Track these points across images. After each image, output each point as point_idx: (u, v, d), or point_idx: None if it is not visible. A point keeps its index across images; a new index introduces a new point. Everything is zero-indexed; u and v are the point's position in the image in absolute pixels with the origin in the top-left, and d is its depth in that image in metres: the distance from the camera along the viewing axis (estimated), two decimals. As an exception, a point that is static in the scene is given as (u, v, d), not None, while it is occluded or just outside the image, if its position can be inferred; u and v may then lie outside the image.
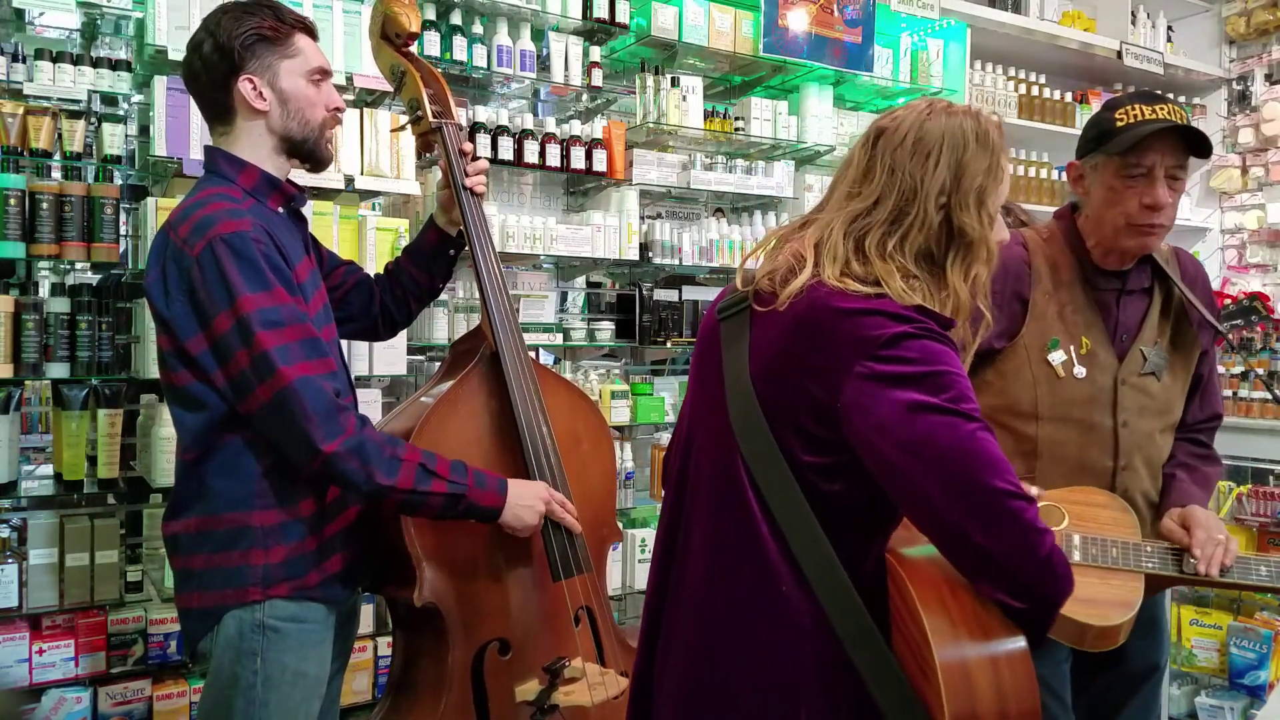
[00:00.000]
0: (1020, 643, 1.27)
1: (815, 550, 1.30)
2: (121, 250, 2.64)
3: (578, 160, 3.32)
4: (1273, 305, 4.57)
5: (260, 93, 1.73)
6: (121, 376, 2.64)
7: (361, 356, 2.79)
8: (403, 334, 2.70)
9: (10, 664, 2.50)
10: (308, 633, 1.72)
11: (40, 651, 2.53)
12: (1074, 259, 2.03)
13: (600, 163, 3.35)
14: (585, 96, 3.54)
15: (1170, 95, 1.97)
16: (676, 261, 3.58)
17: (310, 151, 1.81)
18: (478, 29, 3.20)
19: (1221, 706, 3.45)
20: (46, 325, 2.49)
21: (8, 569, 2.51)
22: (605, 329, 3.51)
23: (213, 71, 1.72)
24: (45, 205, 2.46)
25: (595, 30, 3.37)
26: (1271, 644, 3.37)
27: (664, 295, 3.55)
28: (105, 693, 2.60)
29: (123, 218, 2.69)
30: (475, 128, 3.11)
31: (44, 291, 2.82)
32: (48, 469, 2.80)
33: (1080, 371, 1.98)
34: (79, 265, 2.78)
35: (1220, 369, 4.01)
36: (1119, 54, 4.74)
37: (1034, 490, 1.35)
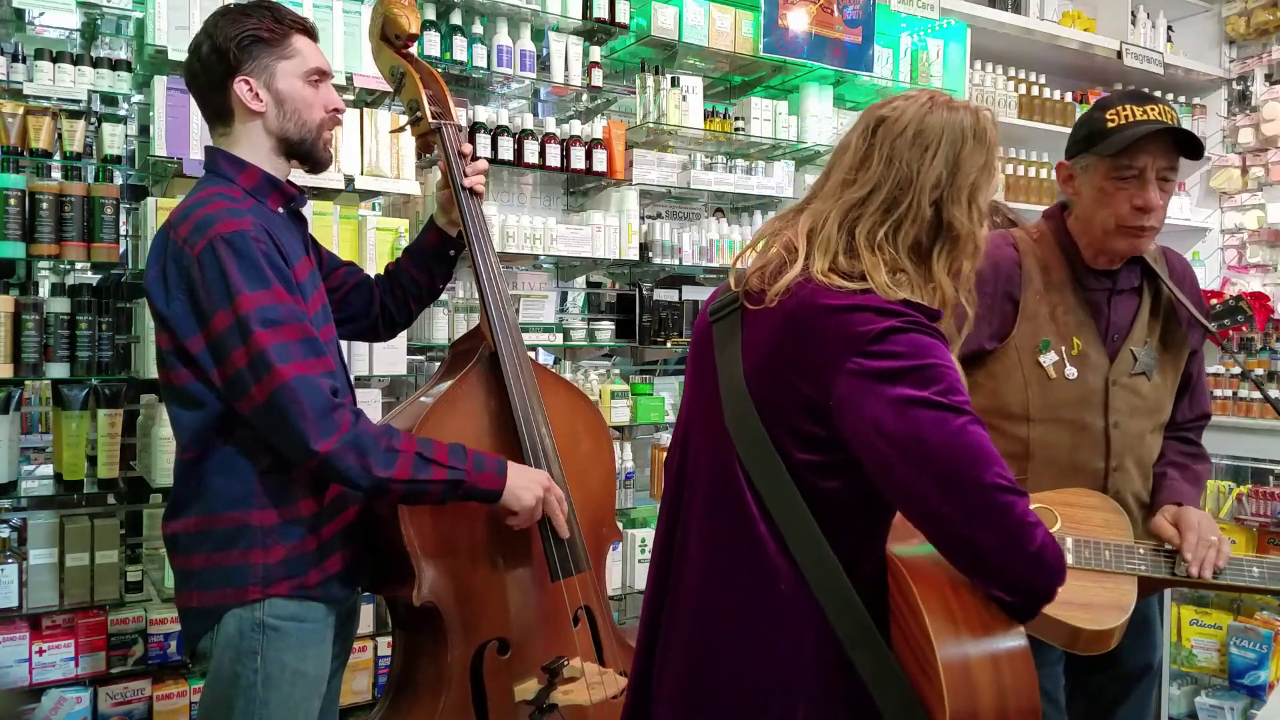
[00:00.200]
0: (1021, 640, 1.27)
1: (813, 549, 1.30)
2: (121, 250, 2.65)
3: (578, 160, 3.32)
4: (1272, 305, 4.57)
5: (256, 94, 1.74)
6: (121, 376, 2.64)
7: (361, 356, 2.80)
8: (403, 334, 2.70)
9: (10, 664, 2.50)
10: (307, 632, 1.72)
11: (40, 651, 2.53)
12: (1064, 259, 2.03)
13: (600, 163, 3.35)
14: (585, 96, 3.54)
15: (1160, 94, 1.97)
16: (676, 261, 3.58)
17: (308, 153, 1.81)
18: (478, 29, 3.20)
19: (1221, 706, 3.44)
20: (46, 325, 2.49)
21: (8, 569, 2.51)
22: (605, 329, 3.51)
23: (210, 73, 1.73)
24: (45, 205, 2.46)
25: (595, 30, 3.37)
26: (1271, 644, 3.37)
27: (664, 295, 3.55)
28: (105, 693, 2.60)
29: (123, 218, 2.69)
30: (475, 128, 3.11)
31: (44, 291, 2.82)
32: (48, 469, 2.80)
33: (1071, 372, 1.98)
34: (79, 265, 2.78)
35: (1220, 369, 4.02)
36: (1119, 54, 4.74)
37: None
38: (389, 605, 2.04)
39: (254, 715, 1.67)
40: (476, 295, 2.03)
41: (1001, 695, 1.24)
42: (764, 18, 3.62)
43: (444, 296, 3.07)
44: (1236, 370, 3.96)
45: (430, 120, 2.03)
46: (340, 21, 2.80)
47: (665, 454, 1.65)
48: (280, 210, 1.82)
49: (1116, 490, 1.99)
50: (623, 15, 3.37)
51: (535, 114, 3.49)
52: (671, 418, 3.48)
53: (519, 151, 3.20)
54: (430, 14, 3.08)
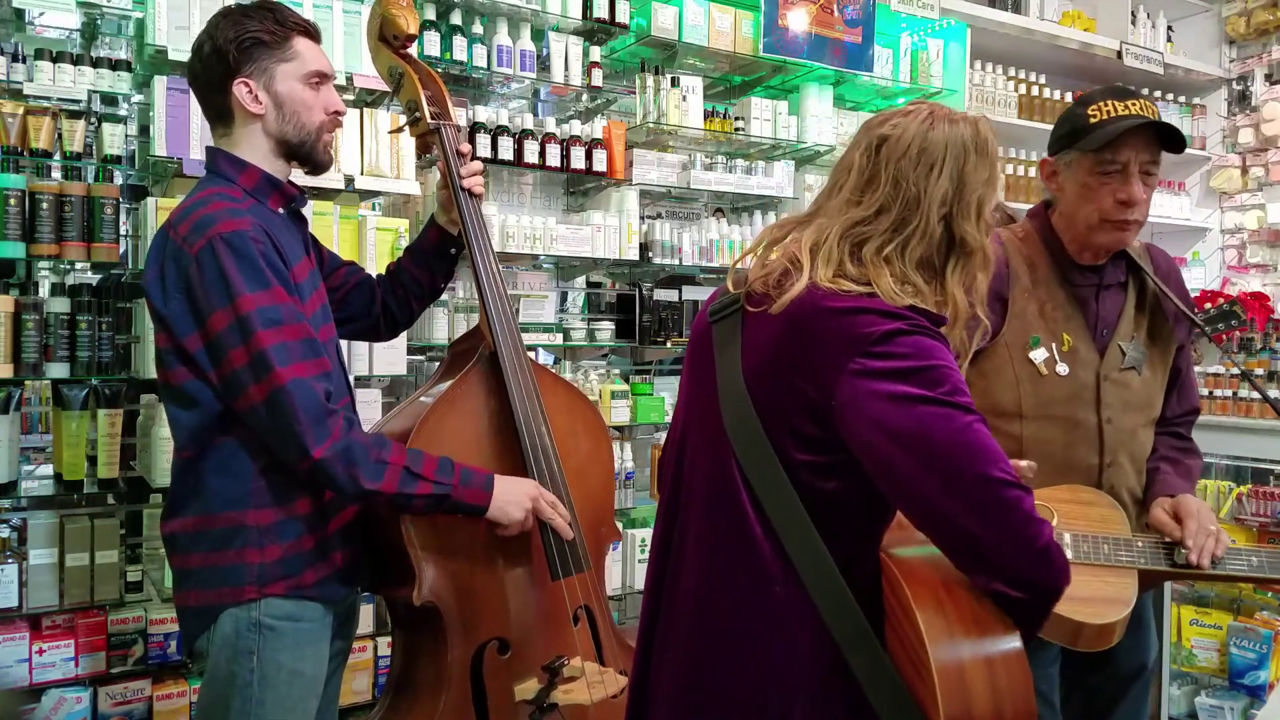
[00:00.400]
0: (1016, 643, 1.27)
1: (810, 551, 1.31)
2: (121, 250, 2.65)
3: (578, 160, 3.32)
4: (1272, 305, 4.58)
5: (256, 96, 1.74)
6: (121, 376, 2.64)
7: (362, 356, 2.80)
8: (403, 334, 2.70)
9: (10, 664, 2.50)
10: (304, 631, 1.72)
11: (40, 651, 2.53)
12: (1050, 256, 2.04)
13: (600, 163, 3.35)
14: (585, 96, 3.54)
15: (1159, 94, 1.98)
16: (676, 261, 3.58)
17: (307, 155, 1.81)
18: (478, 29, 3.20)
19: (1221, 706, 3.44)
20: (46, 325, 2.49)
21: (8, 569, 2.52)
22: (605, 329, 3.51)
23: (210, 74, 1.74)
24: (45, 205, 2.46)
25: (595, 30, 3.37)
26: (1271, 644, 3.37)
27: (664, 295, 3.55)
28: (105, 693, 2.60)
29: (123, 218, 2.69)
30: (475, 128, 3.11)
31: (44, 291, 2.82)
32: (48, 469, 2.80)
33: (1063, 369, 1.98)
34: (79, 265, 2.78)
35: (1220, 369, 4.02)
36: (1119, 54, 4.74)
37: None
38: (389, 605, 2.04)
39: (251, 715, 1.67)
40: (476, 295, 2.04)
41: (997, 698, 1.24)
42: (764, 18, 3.62)
43: (444, 296, 3.07)
44: (1236, 370, 3.96)
45: (429, 121, 2.03)
46: (340, 21, 2.80)
47: (660, 454, 1.65)
48: (280, 211, 1.82)
49: (1111, 486, 1.99)
50: (623, 15, 3.37)
51: (535, 114, 3.49)
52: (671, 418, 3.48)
53: (519, 151, 3.20)
54: (430, 14, 3.08)
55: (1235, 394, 3.90)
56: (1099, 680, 2.19)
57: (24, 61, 2.68)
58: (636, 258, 3.49)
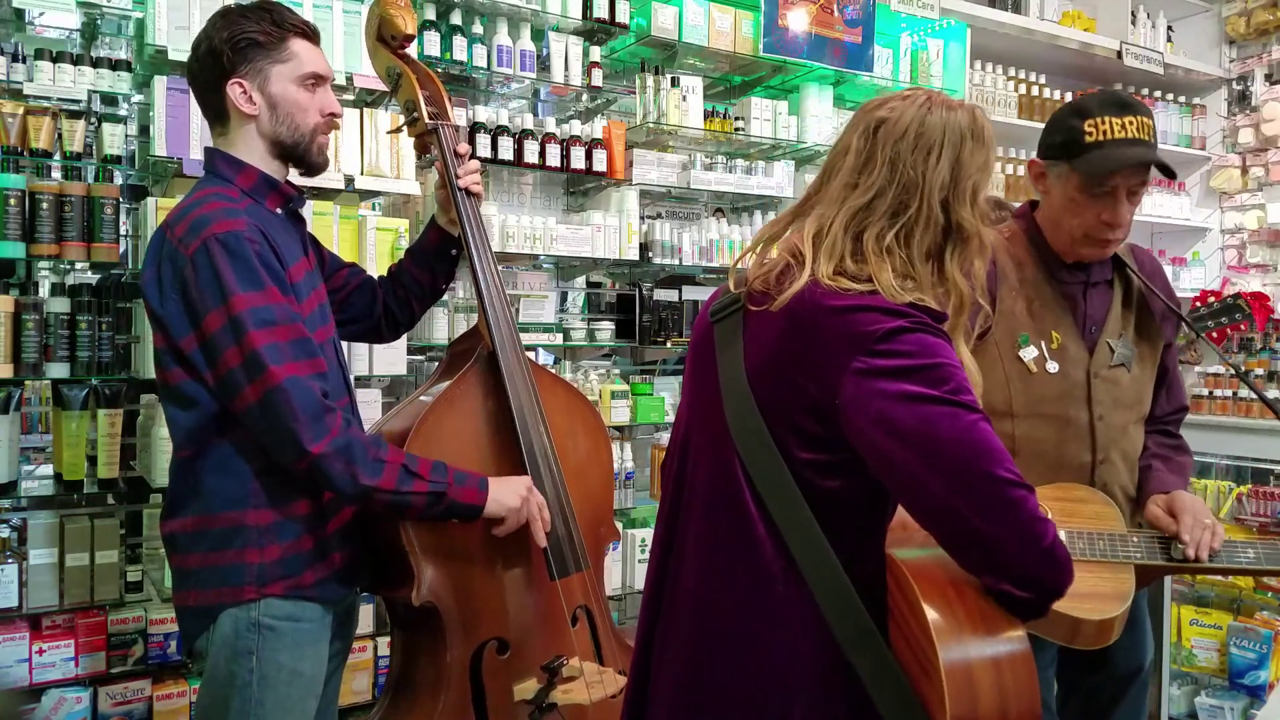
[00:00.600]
0: (1023, 644, 1.27)
1: (813, 550, 1.31)
2: (121, 250, 2.65)
3: (578, 160, 3.32)
4: (1272, 305, 4.58)
5: (250, 96, 1.74)
6: (121, 376, 2.64)
7: (361, 356, 2.80)
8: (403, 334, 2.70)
9: (10, 664, 2.50)
10: (304, 632, 1.72)
11: (40, 651, 2.53)
12: (1037, 255, 2.05)
13: (600, 163, 3.35)
14: (585, 96, 3.54)
15: (1137, 101, 1.95)
16: (676, 261, 3.59)
17: (301, 157, 1.81)
18: (478, 29, 3.20)
19: (1221, 706, 3.44)
20: (46, 325, 2.50)
21: (8, 569, 2.52)
22: (605, 329, 3.51)
23: (207, 74, 1.75)
24: (45, 205, 2.46)
25: (595, 30, 3.37)
26: (1271, 644, 3.36)
27: (664, 295, 3.55)
28: (105, 693, 2.60)
29: (123, 218, 2.70)
30: (475, 128, 3.11)
31: (44, 291, 2.82)
32: (48, 469, 2.81)
33: (1053, 367, 1.99)
34: (79, 265, 2.79)
35: (1220, 369, 4.02)
36: (1119, 54, 4.74)
37: None
38: (388, 605, 2.04)
39: (250, 715, 1.67)
40: (474, 296, 2.04)
41: (1003, 698, 1.24)
42: (764, 18, 3.62)
43: (444, 296, 3.07)
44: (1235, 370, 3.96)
45: (427, 121, 2.03)
46: (340, 22, 2.80)
47: (663, 454, 1.65)
48: (278, 211, 1.82)
49: (1104, 483, 2.00)
50: (623, 15, 3.37)
51: (535, 114, 3.49)
52: (671, 418, 3.48)
53: (519, 151, 3.20)
54: (430, 14, 3.08)
55: (1235, 394, 3.90)
56: (1097, 681, 2.19)
57: (24, 61, 2.68)
58: (636, 258, 3.49)
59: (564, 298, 3.67)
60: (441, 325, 3.13)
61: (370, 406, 2.81)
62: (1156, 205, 4.97)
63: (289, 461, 1.64)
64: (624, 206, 3.47)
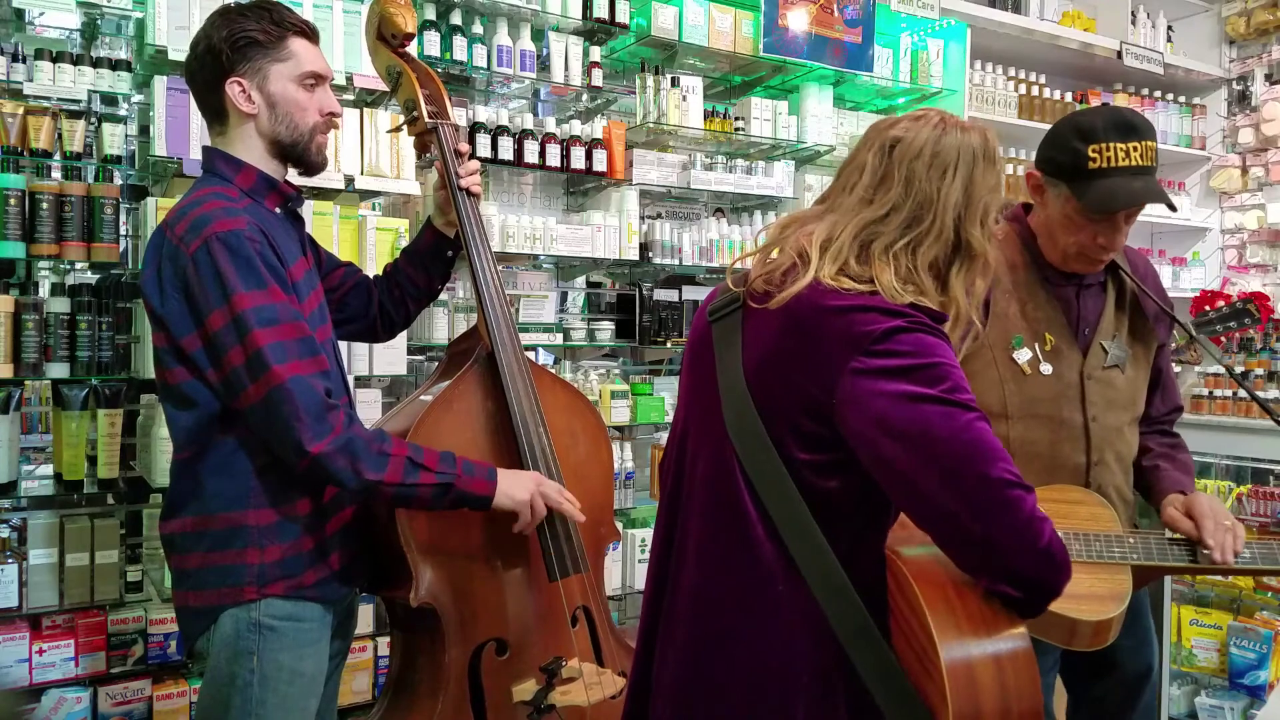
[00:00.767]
0: (1025, 641, 1.27)
1: (812, 549, 1.31)
2: (121, 250, 2.65)
3: (578, 160, 3.32)
4: (1272, 305, 4.57)
5: (249, 95, 1.74)
6: (121, 376, 2.65)
7: (361, 356, 2.80)
8: (402, 334, 2.70)
9: (10, 664, 2.50)
10: (304, 632, 1.72)
11: (40, 651, 2.53)
12: (1030, 258, 2.05)
13: (600, 163, 3.36)
14: (585, 96, 3.54)
15: (1141, 122, 1.93)
16: (676, 261, 3.59)
17: (299, 156, 1.81)
18: (478, 29, 3.20)
19: (1221, 706, 3.44)
20: (46, 325, 2.50)
21: (8, 569, 2.52)
22: (605, 329, 3.51)
23: (206, 73, 1.74)
24: (45, 205, 2.46)
25: (595, 30, 3.37)
26: (1271, 644, 3.36)
27: (664, 295, 3.55)
28: (105, 693, 2.60)
29: (123, 218, 2.70)
30: (475, 128, 3.11)
31: (44, 291, 2.83)
32: (48, 469, 2.81)
33: (1047, 368, 1.99)
34: (79, 265, 2.79)
35: (1219, 369, 4.02)
36: (1119, 54, 4.74)
37: None
38: (387, 606, 2.04)
39: (251, 715, 1.67)
40: (473, 296, 2.04)
41: (1005, 696, 1.24)
42: (764, 18, 3.62)
43: (444, 296, 3.07)
44: (1239, 370, 3.96)
45: (427, 120, 2.03)
46: (340, 21, 2.81)
47: (661, 456, 1.65)
48: (277, 210, 1.82)
49: (1099, 485, 2.00)
50: (623, 15, 3.37)
51: (535, 114, 3.49)
52: (671, 418, 3.48)
53: (519, 151, 3.21)
54: (430, 14, 3.08)
55: (1235, 394, 3.89)
56: (1106, 686, 2.19)
57: (24, 61, 2.68)
58: (636, 258, 3.49)
59: (564, 298, 3.67)
60: (441, 325, 3.13)
61: (370, 406, 2.81)
62: (1156, 205, 4.96)
63: (292, 460, 1.63)
64: (624, 206, 3.47)
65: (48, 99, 2.66)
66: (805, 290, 1.32)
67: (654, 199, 3.81)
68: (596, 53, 3.38)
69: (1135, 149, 1.89)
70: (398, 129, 2.15)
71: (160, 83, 2.57)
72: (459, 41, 3.13)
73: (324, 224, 2.71)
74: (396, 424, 1.91)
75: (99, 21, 2.83)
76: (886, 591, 1.34)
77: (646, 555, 3.35)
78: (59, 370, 2.52)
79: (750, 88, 3.96)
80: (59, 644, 2.55)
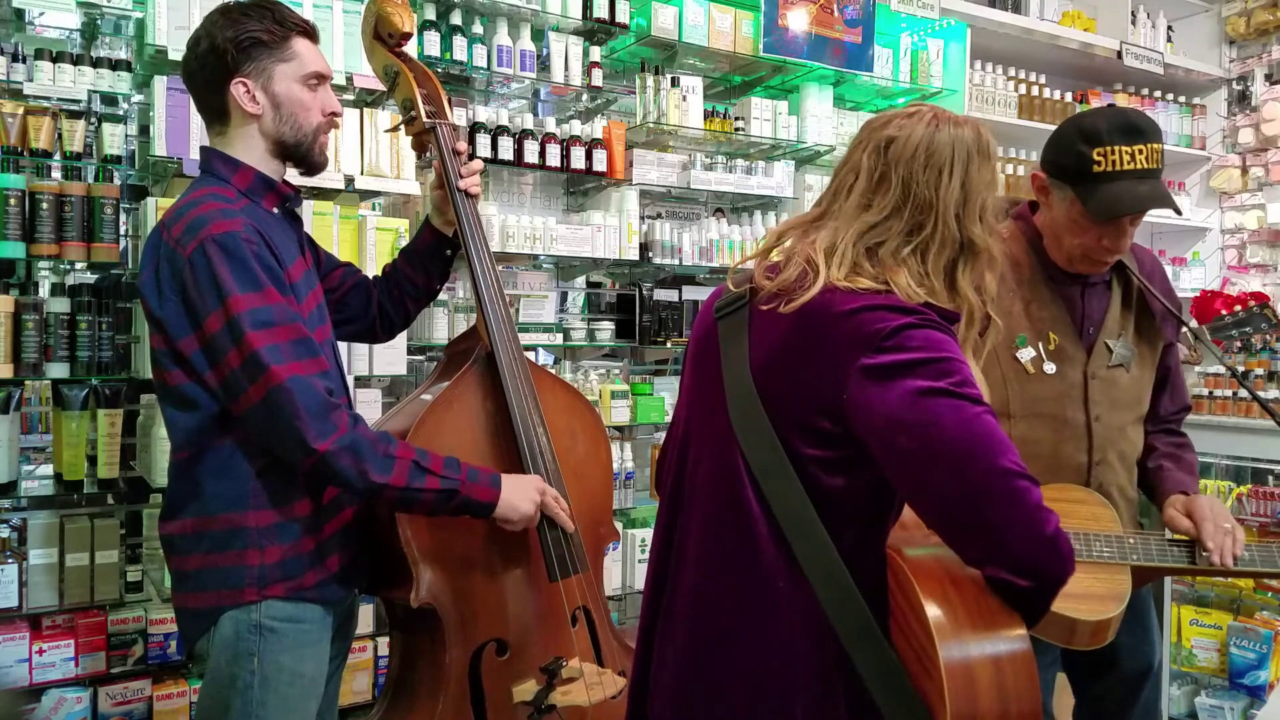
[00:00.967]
0: (1024, 643, 1.27)
1: (815, 547, 1.31)
2: (121, 250, 2.65)
3: (578, 160, 3.32)
4: (1272, 305, 4.57)
5: (253, 96, 1.73)
6: (121, 376, 2.64)
7: (361, 356, 2.80)
8: (402, 334, 2.70)
9: (10, 664, 2.50)
10: (305, 633, 1.72)
11: (40, 651, 2.53)
12: (1035, 257, 2.04)
13: (600, 163, 3.36)
14: (585, 96, 3.54)
15: (1147, 123, 1.92)
16: (676, 261, 3.59)
17: (303, 156, 1.80)
18: (478, 29, 3.20)
19: (1221, 706, 3.44)
20: (46, 325, 2.50)
21: (8, 569, 2.52)
22: (605, 329, 3.51)
23: (208, 73, 1.72)
24: (45, 205, 2.46)
25: (595, 30, 3.37)
26: (1271, 644, 3.36)
27: (664, 295, 3.55)
28: (105, 693, 2.60)
29: (123, 218, 2.70)
30: (475, 128, 3.11)
31: (44, 291, 2.83)
32: (48, 469, 2.81)
33: (1050, 367, 1.99)
34: (79, 265, 2.79)
35: (1220, 369, 4.01)
36: (1119, 54, 4.74)
37: None
38: (386, 607, 2.04)
39: (251, 716, 1.66)
40: (473, 296, 2.03)
41: (1003, 696, 1.24)
42: (764, 18, 3.63)
43: (443, 296, 3.07)
44: (1239, 369, 3.96)
45: (425, 120, 2.02)
46: (340, 21, 2.81)
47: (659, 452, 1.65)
48: (275, 210, 1.81)
49: (1100, 484, 2.00)
50: (623, 15, 3.37)
51: (535, 114, 3.49)
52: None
53: (519, 151, 3.21)
54: (430, 14, 3.08)
55: (1235, 394, 3.89)
56: (1106, 685, 2.18)
57: (24, 61, 2.68)
58: (636, 258, 3.49)
59: (564, 298, 3.68)
60: (441, 325, 3.13)
61: (370, 406, 2.81)
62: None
63: (296, 460, 1.63)
64: (624, 206, 3.48)
65: (48, 99, 2.66)
66: (819, 295, 1.33)
67: (654, 199, 3.81)
68: (596, 53, 3.38)
69: (1140, 151, 1.88)
70: (395, 129, 2.14)
71: (160, 83, 2.57)
72: (459, 41, 3.13)
73: (324, 224, 2.71)
74: (396, 424, 1.91)
75: (99, 21, 2.83)
76: (888, 591, 1.35)
77: (646, 555, 3.35)
78: (59, 370, 2.52)
79: (750, 88, 3.96)
80: (59, 644, 2.55)
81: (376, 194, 3.03)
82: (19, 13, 2.78)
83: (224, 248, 1.60)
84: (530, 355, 2.04)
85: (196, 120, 2.52)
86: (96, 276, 2.82)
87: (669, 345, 3.56)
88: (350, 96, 2.91)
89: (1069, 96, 4.74)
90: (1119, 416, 2.02)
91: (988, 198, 1.40)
